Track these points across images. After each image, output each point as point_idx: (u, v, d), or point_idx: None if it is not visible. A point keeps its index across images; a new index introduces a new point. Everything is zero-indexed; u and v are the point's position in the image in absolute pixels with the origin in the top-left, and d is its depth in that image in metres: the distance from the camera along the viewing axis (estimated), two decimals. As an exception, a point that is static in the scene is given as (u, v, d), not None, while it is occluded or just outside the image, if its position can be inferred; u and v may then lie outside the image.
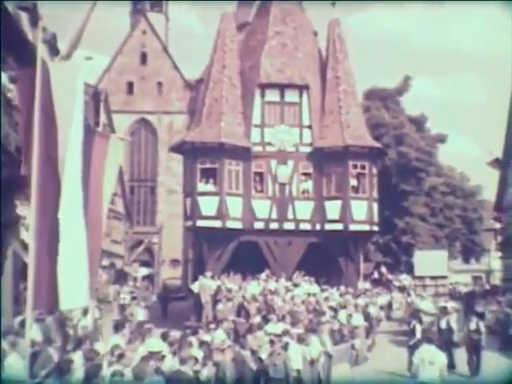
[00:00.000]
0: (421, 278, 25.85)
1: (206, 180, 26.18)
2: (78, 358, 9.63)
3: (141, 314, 18.21)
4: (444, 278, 26.48)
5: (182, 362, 9.66)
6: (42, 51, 9.86)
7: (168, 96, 53.24)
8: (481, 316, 20.21)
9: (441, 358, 11.53)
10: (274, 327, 14.51)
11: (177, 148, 28.68)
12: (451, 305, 22.32)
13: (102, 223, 12.17)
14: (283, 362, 11.14)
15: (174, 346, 10.71)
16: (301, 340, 12.78)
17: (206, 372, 10.54)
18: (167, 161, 50.61)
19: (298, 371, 12.34)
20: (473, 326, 17.87)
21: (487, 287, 43.34)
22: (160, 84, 53.32)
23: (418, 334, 17.49)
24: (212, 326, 13.64)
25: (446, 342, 17.59)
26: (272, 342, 11.64)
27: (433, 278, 25.89)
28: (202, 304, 22.35)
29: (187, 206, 26.87)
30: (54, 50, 23.80)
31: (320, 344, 13.53)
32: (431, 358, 11.30)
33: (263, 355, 11.25)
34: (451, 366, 17.13)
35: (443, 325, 18.76)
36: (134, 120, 52.69)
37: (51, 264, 9.31)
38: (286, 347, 12.47)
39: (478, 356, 17.53)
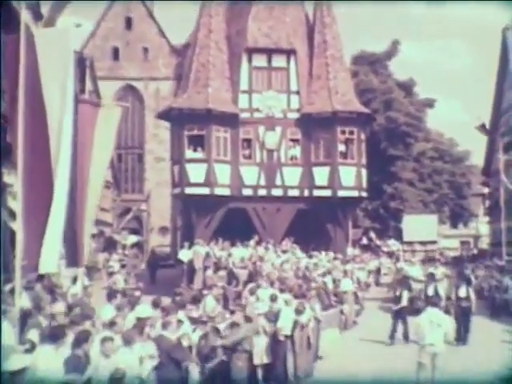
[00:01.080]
0: (410, 243, 25.45)
1: (194, 147, 26.05)
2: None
3: (121, 282, 18.14)
4: (433, 242, 26.00)
5: (164, 326, 9.69)
6: (25, 16, 9.66)
7: (154, 62, 52.61)
8: (468, 281, 19.98)
9: (447, 321, 11.87)
10: (264, 293, 14.57)
11: (164, 115, 28.46)
12: (442, 271, 22.15)
13: (95, 193, 12.05)
14: (242, 334, 10.64)
15: (164, 312, 10.72)
16: (299, 312, 12.85)
17: (195, 337, 10.57)
18: (154, 128, 50.28)
19: (287, 337, 12.45)
20: (462, 293, 17.20)
21: (475, 252, 43.79)
22: (146, 49, 52.62)
23: (405, 301, 17.32)
24: (205, 292, 13.66)
25: None
26: (232, 313, 11.17)
27: (422, 243, 25.44)
28: (195, 270, 22.35)
29: (175, 173, 26.77)
30: (37, 16, 23.35)
31: (310, 309, 13.60)
32: (439, 321, 11.49)
33: (221, 326, 10.85)
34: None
35: (430, 292, 18.08)
36: (120, 86, 52.11)
37: (41, 231, 9.27)
38: (278, 313, 12.60)
39: (467, 324, 17.01)
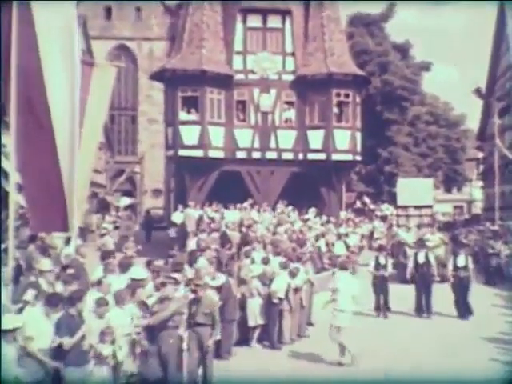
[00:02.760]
0: (404, 207, 24.48)
1: (188, 109, 25.83)
2: (59, 286, 9.66)
3: (111, 243, 18.10)
4: (429, 207, 24.87)
5: (158, 288, 9.64)
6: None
7: (147, 21, 51.77)
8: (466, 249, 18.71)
9: (355, 284, 11.89)
10: (257, 255, 14.60)
11: (157, 76, 28.12)
12: (439, 236, 21.61)
13: (89, 155, 11.89)
14: (173, 308, 9.07)
15: (155, 274, 10.68)
16: (292, 275, 12.89)
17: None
18: (148, 89, 49.74)
19: (280, 299, 12.52)
20: (461, 262, 15.79)
21: (467, 216, 43.91)
22: (139, 9, 51.72)
23: (390, 270, 16.40)
24: (198, 254, 13.66)
25: (424, 280, 16.14)
26: (163, 285, 9.39)
27: (417, 207, 24.36)
28: (188, 233, 22.35)
29: (169, 135, 26.61)
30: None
31: (304, 272, 13.65)
32: (348, 284, 11.64)
33: (150, 301, 9.44)
34: (428, 309, 15.94)
35: (421, 259, 16.40)
36: (113, 46, 51.39)
37: (40, 191, 9.18)
38: (271, 276, 12.64)
39: (465, 296, 15.66)
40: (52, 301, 8.13)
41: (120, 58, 50.98)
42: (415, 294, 16.18)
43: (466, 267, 15.72)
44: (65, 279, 9.66)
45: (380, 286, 16.10)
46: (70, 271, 10.62)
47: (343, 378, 10.65)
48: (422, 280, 16.14)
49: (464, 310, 15.59)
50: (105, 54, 48.79)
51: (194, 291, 9.99)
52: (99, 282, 9.56)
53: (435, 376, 10.51)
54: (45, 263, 10.31)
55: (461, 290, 15.69)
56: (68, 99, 9.29)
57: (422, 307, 16.00)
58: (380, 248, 17.48)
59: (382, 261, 16.24)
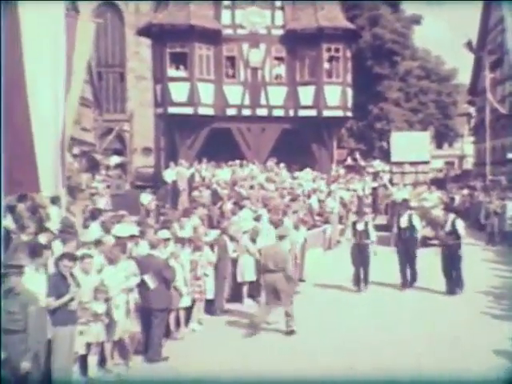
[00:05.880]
0: (399, 163, 23.31)
1: (176, 65, 25.50)
2: (57, 245, 9.57)
3: (101, 202, 17.99)
4: (426, 163, 23.68)
5: (152, 246, 9.57)
6: None
7: (133, -24, 50.60)
8: (455, 211, 15.01)
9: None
10: (247, 213, 14.56)
11: (144, 31, 27.69)
12: (437, 195, 20.63)
13: (71, 109, 11.83)
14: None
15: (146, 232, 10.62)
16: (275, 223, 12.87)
17: (184, 256, 10.51)
18: (136, 46, 48.87)
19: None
20: (448, 226, 13.11)
21: (458, 172, 43.89)
22: (124, -36, 50.53)
23: (374, 238, 13.71)
24: (191, 211, 13.63)
25: (405, 248, 13.76)
26: (5, 275, 7.14)
27: (413, 163, 23.10)
28: (180, 191, 22.25)
29: (157, 92, 26.35)
30: None
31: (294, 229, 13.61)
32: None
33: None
34: (413, 279, 13.75)
35: (404, 223, 13.88)
36: (99, 2, 50.31)
37: (27, 149, 9.10)
38: (257, 233, 12.61)
39: (457, 267, 13.04)
40: (35, 249, 8.02)
41: (106, 14, 50.07)
42: (398, 263, 13.86)
43: (455, 232, 13.02)
44: (63, 238, 9.57)
45: (358, 256, 13.57)
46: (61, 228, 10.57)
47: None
48: (404, 247, 13.77)
49: (452, 283, 13.08)
50: (90, 10, 47.77)
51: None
52: (99, 242, 9.48)
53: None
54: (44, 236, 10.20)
55: (449, 259, 13.08)
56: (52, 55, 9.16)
57: (406, 278, 13.73)
58: (357, 212, 15.73)
59: (361, 227, 13.65)
